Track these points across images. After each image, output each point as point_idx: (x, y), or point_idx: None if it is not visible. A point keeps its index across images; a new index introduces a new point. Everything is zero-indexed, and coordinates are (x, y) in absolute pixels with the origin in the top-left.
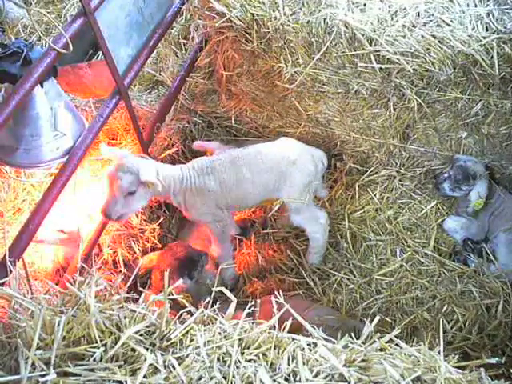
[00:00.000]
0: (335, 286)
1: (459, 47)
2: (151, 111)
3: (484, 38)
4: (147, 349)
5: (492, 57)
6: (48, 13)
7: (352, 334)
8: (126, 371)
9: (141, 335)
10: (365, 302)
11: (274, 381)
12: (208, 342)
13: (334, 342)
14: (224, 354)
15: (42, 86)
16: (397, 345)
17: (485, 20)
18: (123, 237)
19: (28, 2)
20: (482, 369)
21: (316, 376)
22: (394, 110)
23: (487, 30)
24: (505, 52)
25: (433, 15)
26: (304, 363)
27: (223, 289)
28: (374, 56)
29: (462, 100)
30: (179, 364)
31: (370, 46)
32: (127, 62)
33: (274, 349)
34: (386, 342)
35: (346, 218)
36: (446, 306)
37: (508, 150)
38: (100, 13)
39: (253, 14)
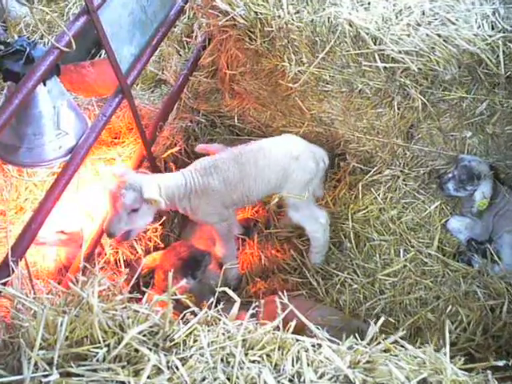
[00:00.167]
0: (338, 286)
1: (464, 46)
2: (154, 110)
3: (490, 36)
4: (150, 349)
5: (498, 56)
6: (50, 11)
7: (356, 335)
8: (129, 372)
9: (144, 336)
10: (368, 302)
11: (278, 382)
12: (212, 342)
13: (338, 343)
14: (228, 354)
15: (44, 85)
16: (402, 346)
17: (491, 18)
18: None
19: (31, 1)
20: (488, 371)
21: (321, 377)
22: (398, 109)
23: (493, 28)
24: (511, 51)
25: (438, 14)
26: (308, 364)
27: (227, 289)
28: (378, 55)
29: (466, 99)
30: (183, 365)
31: (375, 44)
32: (130, 60)
33: (278, 350)
34: (391, 343)
35: (350, 217)
36: (449, 306)
37: None
38: (103, 11)
39: (256, 13)
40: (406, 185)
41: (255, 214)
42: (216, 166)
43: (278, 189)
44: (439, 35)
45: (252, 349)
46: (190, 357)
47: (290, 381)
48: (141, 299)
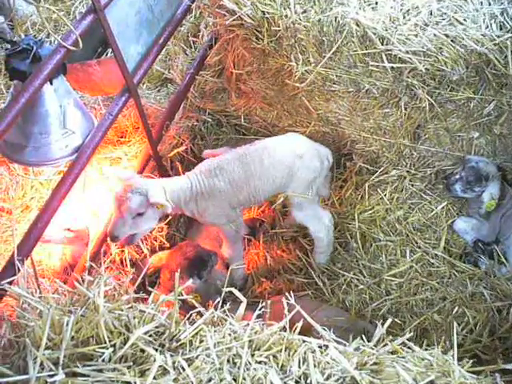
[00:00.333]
0: (344, 286)
1: (472, 46)
2: (160, 109)
3: (498, 36)
4: (156, 350)
5: (506, 56)
6: (57, 10)
7: (362, 336)
8: (134, 372)
9: (150, 336)
10: (374, 302)
11: (285, 383)
12: (218, 343)
13: (344, 344)
14: (234, 355)
15: (51, 84)
16: (409, 348)
17: (499, 18)
18: None
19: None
20: (497, 374)
21: (327, 379)
22: (405, 109)
23: (501, 28)
24: None
25: (446, 14)
26: (315, 366)
27: (233, 289)
28: (385, 55)
29: (474, 100)
30: (189, 365)
31: (382, 44)
32: (137, 59)
33: (285, 351)
34: (398, 345)
35: (356, 217)
36: (456, 307)
37: None
38: (110, 10)
39: (263, 12)
40: (412, 185)
41: (261, 214)
42: (221, 168)
43: (283, 188)
44: (447, 35)
45: (258, 349)
46: (196, 357)
47: (297, 382)
48: (147, 299)
